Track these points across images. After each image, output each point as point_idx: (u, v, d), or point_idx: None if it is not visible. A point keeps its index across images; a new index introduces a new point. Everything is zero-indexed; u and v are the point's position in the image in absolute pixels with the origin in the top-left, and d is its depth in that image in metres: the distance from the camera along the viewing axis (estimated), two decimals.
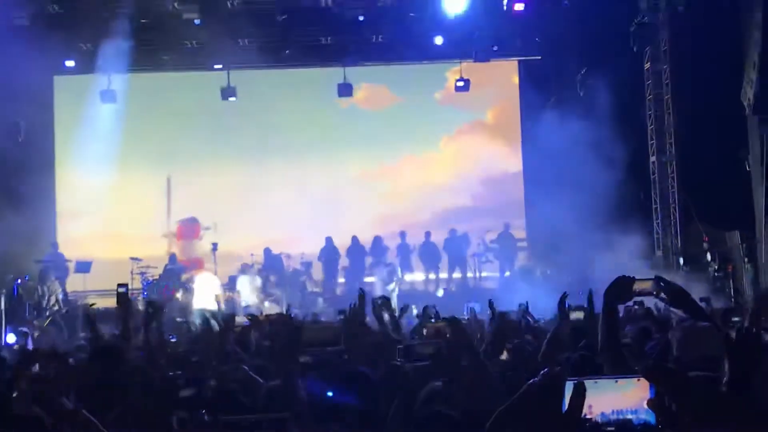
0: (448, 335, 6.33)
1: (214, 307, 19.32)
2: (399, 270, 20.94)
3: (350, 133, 23.72)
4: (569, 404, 1.86)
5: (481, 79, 23.02)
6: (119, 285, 6.46)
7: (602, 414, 1.97)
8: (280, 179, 23.10)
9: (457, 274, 22.32)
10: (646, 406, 1.92)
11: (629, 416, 1.98)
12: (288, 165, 23.27)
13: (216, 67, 22.64)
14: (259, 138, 23.32)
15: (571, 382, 1.86)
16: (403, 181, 23.54)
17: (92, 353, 5.72)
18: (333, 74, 22.86)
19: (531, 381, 1.90)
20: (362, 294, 8.00)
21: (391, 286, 20.18)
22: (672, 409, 1.87)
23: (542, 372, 1.91)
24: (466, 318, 12.66)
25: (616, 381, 2.00)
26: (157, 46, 22.16)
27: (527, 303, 12.98)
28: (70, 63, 22.33)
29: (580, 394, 1.87)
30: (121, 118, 22.80)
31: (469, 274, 22.41)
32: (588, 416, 1.93)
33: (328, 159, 23.54)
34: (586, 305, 7.84)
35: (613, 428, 1.99)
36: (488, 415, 3.66)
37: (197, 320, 13.14)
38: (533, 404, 1.87)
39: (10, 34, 19.42)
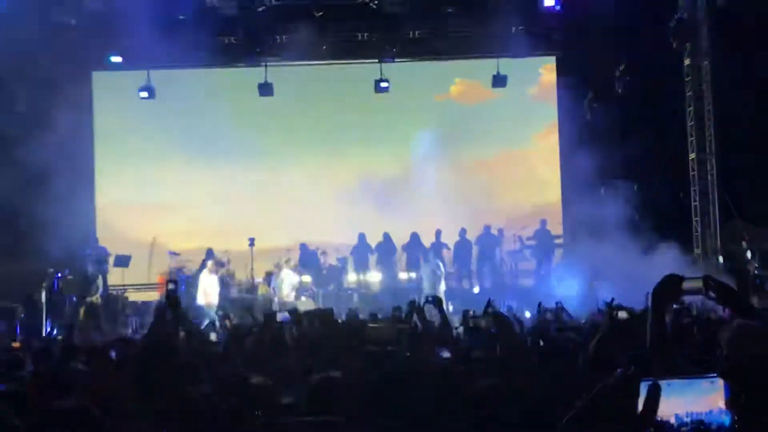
0: (492, 330, 6.32)
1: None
2: (442, 266, 20.76)
3: (386, 129, 23.69)
4: (644, 405, 1.85)
5: None
6: (169, 281, 6.40)
7: (676, 415, 1.95)
8: (311, 174, 23.11)
9: (490, 272, 22.24)
10: (720, 407, 1.91)
11: (703, 417, 1.96)
12: (318, 160, 23.28)
13: (254, 63, 22.73)
14: (294, 133, 23.37)
15: (646, 383, 1.85)
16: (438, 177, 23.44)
17: (145, 346, 5.76)
18: (370, 70, 22.88)
19: (605, 381, 1.89)
20: (414, 302, 8.17)
21: (441, 286, 20.08)
22: (749, 408, 1.86)
23: (616, 373, 1.90)
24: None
25: (691, 382, 1.98)
26: (194, 42, 22.24)
27: (562, 301, 13.00)
28: (116, 59, 22.56)
29: (655, 394, 1.86)
30: (158, 114, 22.98)
31: (505, 271, 22.32)
32: (662, 418, 1.91)
33: (361, 155, 23.52)
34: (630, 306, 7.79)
35: (687, 429, 1.97)
36: (543, 414, 3.65)
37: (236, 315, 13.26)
38: (607, 405, 1.86)
39: (50, 31, 19.65)
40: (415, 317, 7.48)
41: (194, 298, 19.08)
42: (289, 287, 20.21)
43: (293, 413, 4.32)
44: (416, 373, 4.62)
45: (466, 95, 24.10)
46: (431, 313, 8.54)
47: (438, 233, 22.12)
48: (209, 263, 19.54)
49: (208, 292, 19.07)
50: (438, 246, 22.06)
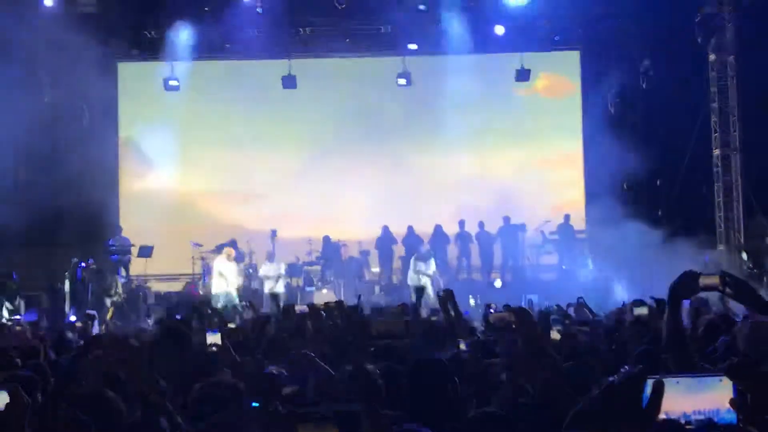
0: (514, 325, 6.32)
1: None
2: (433, 264, 20.46)
3: (410, 121, 23.66)
4: (648, 402, 1.86)
5: None
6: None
7: (684, 414, 1.95)
8: (338, 167, 23.15)
9: (511, 265, 22.21)
10: (728, 406, 1.91)
11: (711, 416, 1.96)
12: (345, 154, 23.29)
13: (278, 56, 22.80)
14: (318, 126, 23.38)
15: (650, 380, 1.86)
16: (462, 170, 23.41)
17: (161, 333, 5.82)
18: (393, 63, 22.90)
19: (610, 379, 1.90)
20: (420, 288, 8.17)
21: (426, 281, 19.78)
22: (755, 408, 1.86)
23: (622, 370, 1.90)
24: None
25: (698, 380, 1.98)
26: (219, 35, 22.34)
27: (583, 297, 12.98)
28: (138, 50, 22.70)
29: (658, 391, 1.86)
30: (183, 106, 23.09)
31: (527, 264, 22.26)
32: (669, 416, 1.92)
33: (384, 147, 23.51)
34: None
35: (694, 428, 1.98)
36: (561, 411, 3.66)
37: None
38: (613, 402, 1.86)
39: (76, 21, 19.78)
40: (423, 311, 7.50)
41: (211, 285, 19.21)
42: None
43: (303, 404, 4.36)
44: (428, 365, 4.63)
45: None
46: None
47: (461, 224, 22.11)
48: (227, 249, 19.46)
49: (225, 277, 19.05)
50: (464, 237, 22.06)
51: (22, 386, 2.99)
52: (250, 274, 20.70)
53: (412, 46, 22.49)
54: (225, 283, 18.99)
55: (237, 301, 18.23)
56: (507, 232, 22.10)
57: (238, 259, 20.01)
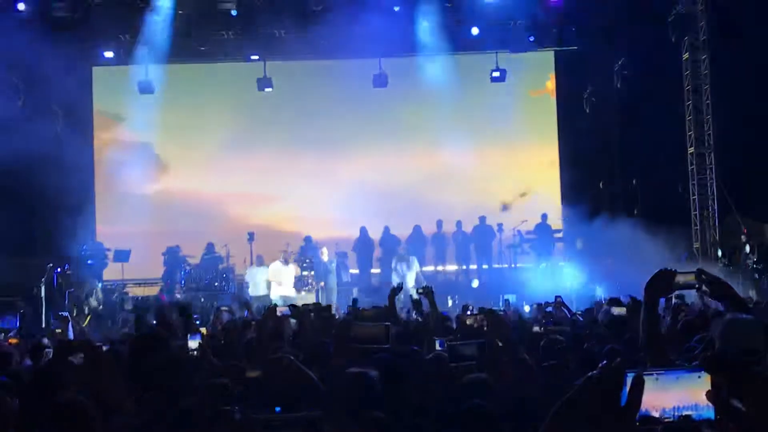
0: (485, 327, 6.34)
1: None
2: (416, 262, 20.52)
3: (387, 121, 23.64)
4: (628, 397, 1.85)
5: None
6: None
7: (663, 409, 1.95)
8: (313, 169, 23.15)
9: (485, 265, 22.26)
10: (707, 402, 1.91)
11: (690, 411, 1.96)
12: (320, 155, 23.27)
13: (252, 57, 22.77)
14: (292, 128, 23.36)
15: (630, 375, 1.85)
16: (438, 170, 23.40)
17: (135, 340, 5.78)
18: (369, 64, 22.89)
19: (590, 373, 1.89)
20: (395, 289, 8.19)
21: (410, 281, 19.84)
22: (729, 401, 1.86)
23: (601, 364, 1.90)
24: (502, 310, 12.68)
25: (676, 375, 1.98)
26: (194, 37, 22.26)
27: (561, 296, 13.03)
28: (108, 54, 22.55)
29: (638, 386, 1.86)
30: (158, 109, 22.98)
31: (504, 265, 22.31)
32: (648, 411, 1.92)
33: (361, 148, 23.51)
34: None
35: (672, 423, 1.98)
36: (531, 408, 3.67)
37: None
38: (592, 397, 1.86)
39: (49, 26, 19.65)
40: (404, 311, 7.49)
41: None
42: (289, 281, 20.25)
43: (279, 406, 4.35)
44: (404, 368, 4.63)
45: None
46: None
47: (439, 224, 22.15)
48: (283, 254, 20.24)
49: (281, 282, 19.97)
50: (439, 238, 22.12)
51: None
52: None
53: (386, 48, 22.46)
54: (281, 288, 19.70)
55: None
56: (483, 232, 22.14)
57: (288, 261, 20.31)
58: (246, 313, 12.35)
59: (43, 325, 17.06)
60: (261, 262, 20.67)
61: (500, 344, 3.99)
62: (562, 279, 19.50)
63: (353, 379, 4.37)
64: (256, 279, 20.36)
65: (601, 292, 17.14)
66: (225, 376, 5.44)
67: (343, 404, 4.07)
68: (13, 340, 11.69)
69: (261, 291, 20.07)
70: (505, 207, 22.62)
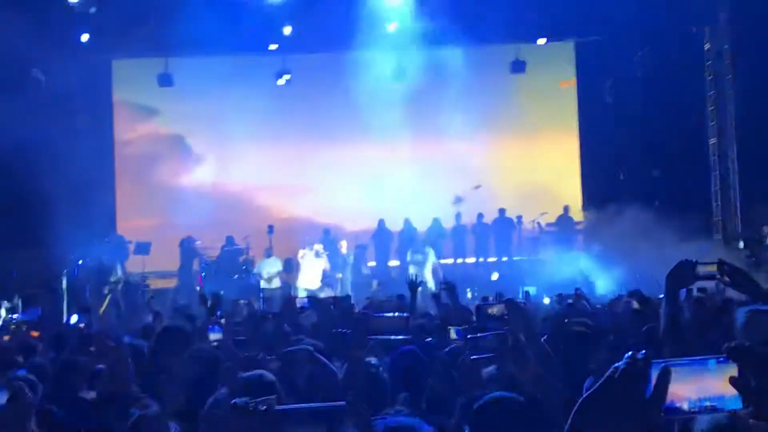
0: (506, 317, 6.31)
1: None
2: (433, 254, 20.56)
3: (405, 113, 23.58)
4: (654, 389, 1.83)
5: None
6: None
7: (688, 399, 1.93)
8: (332, 161, 23.15)
9: (505, 257, 22.23)
10: (733, 392, 1.89)
11: (716, 401, 1.94)
12: (339, 147, 23.28)
13: (271, 48, 22.78)
14: (311, 121, 23.38)
15: (657, 366, 1.83)
16: (458, 162, 23.31)
17: (159, 334, 5.79)
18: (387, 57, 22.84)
19: (615, 365, 1.87)
20: (414, 284, 8.19)
21: (427, 273, 19.86)
22: (756, 388, 1.84)
23: (627, 356, 1.88)
24: (522, 301, 12.63)
25: (703, 365, 1.96)
26: (213, 30, 22.24)
27: (580, 287, 12.98)
28: (127, 47, 22.59)
29: (664, 377, 1.84)
30: (177, 101, 23.05)
31: (523, 257, 22.25)
32: (673, 402, 1.90)
33: (381, 140, 23.45)
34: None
35: (699, 413, 1.95)
36: (554, 402, 3.64)
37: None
38: (618, 389, 1.84)
39: (69, 19, 19.72)
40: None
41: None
42: (310, 273, 20.28)
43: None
44: (423, 361, 4.62)
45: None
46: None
47: (458, 216, 22.13)
48: (316, 246, 20.46)
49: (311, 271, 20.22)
50: (459, 230, 22.10)
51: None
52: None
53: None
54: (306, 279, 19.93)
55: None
56: (503, 224, 22.11)
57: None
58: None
59: (65, 318, 17.17)
60: (270, 254, 20.69)
61: (521, 337, 3.95)
62: (582, 271, 19.41)
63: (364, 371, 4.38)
64: (268, 271, 20.35)
65: (621, 285, 17.05)
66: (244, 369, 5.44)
67: (361, 396, 4.07)
68: (35, 333, 11.77)
69: (273, 284, 20.09)
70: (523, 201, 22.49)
